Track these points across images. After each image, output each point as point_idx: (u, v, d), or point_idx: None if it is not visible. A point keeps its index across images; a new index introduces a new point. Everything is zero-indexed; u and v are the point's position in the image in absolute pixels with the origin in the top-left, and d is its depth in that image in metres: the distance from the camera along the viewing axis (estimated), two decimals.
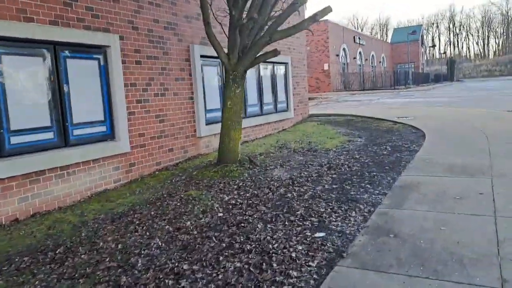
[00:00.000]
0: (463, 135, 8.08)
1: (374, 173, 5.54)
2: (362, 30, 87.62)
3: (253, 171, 6.27)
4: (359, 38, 42.60)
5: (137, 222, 4.45)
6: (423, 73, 55.79)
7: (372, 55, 48.36)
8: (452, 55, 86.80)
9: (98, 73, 5.89)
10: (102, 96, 5.95)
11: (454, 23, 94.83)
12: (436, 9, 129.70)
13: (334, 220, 3.90)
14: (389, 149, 7.26)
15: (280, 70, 11.37)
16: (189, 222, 4.27)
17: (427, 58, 79.70)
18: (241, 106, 6.46)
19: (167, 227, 4.20)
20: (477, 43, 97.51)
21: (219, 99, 8.59)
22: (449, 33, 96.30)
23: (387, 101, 21.46)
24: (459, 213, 3.84)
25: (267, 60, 10.45)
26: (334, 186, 5.05)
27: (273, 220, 4.08)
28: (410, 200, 4.35)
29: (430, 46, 79.11)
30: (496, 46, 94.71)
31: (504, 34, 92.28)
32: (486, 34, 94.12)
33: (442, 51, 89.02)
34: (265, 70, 10.50)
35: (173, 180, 6.09)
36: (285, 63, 11.57)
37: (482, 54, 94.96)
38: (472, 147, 6.84)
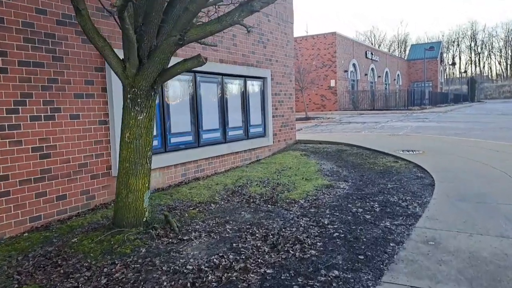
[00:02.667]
0: (488, 188, 5.69)
1: (335, 272, 3.22)
2: (379, 46, 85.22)
3: (158, 243, 4.04)
4: (372, 54, 40.08)
5: None
6: (442, 92, 52.89)
7: (386, 72, 45.76)
8: (473, 75, 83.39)
9: None
10: None
11: (476, 42, 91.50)
12: (456, 26, 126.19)
13: None
14: (378, 208, 4.92)
15: (255, 86, 9.17)
16: None
17: (446, 76, 76.61)
18: (148, 139, 4.25)
19: None
20: (499, 63, 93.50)
21: (154, 121, 6.42)
22: (470, 52, 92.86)
23: (396, 124, 18.98)
24: None
25: (236, 74, 8.34)
26: None
27: None
28: None
29: (450, 64, 76.08)
30: None
31: None
32: (509, 53, 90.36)
33: (462, 70, 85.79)
34: (232, 86, 8.32)
35: (29, 255, 3.89)
36: (263, 78, 9.38)
37: (505, 75, 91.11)
38: (504, 214, 4.46)
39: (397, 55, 66.15)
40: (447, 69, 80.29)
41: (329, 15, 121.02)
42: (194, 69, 7.14)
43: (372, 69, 40.86)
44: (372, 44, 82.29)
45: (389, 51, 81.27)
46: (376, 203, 5.14)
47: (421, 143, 10.53)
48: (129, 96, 4.08)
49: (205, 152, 7.42)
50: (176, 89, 6.87)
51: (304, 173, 7.34)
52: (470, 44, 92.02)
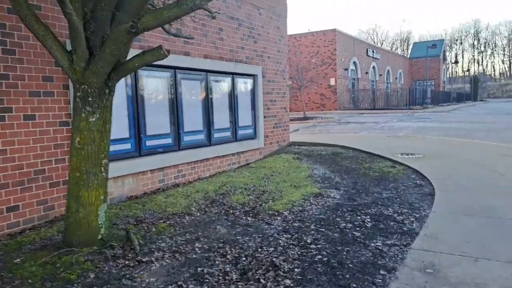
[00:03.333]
0: (496, 199, 5.11)
1: None
2: (381, 45, 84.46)
3: (112, 266, 3.47)
4: (373, 51, 39.31)
5: None
6: (444, 91, 52.16)
7: (388, 71, 45.01)
8: (476, 73, 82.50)
9: None
10: None
11: (479, 40, 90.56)
12: (459, 25, 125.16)
13: None
14: (370, 224, 4.34)
15: (245, 84, 8.59)
16: None
17: (449, 75, 75.77)
18: (102, 145, 3.68)
19: None
20: (502, 62, 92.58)
21: (127, 122, 5.87)
22: (473, 50, 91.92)
23: (396, 125, 18.36)
24: None
25: (223, 70, 7.76)
26: None
27: None
28: None
29: (452, 63, 75.29)
30: None
31: None
32: None
33: (465, 69, 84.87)
34: (218, 83, 7.74)
35: None
36: (253, 75, 8.79)
37: (508, 73, 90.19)
38: None
39: (399, 54, 65.40)
40: (450, 67, 79.45)
41: (331, 14, 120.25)
42: (174, 65, 6.62)
43: (373, 67, 40.14)
44: (374, 42, 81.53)
45: (391, 49, 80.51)
46: (368, 216, 4.55)
47: (421, 145, 9.93)
48: (78, 94, 3.51)
49: (186, 156, 6.85)
50: (153, 87, 6.30)
51: (294, 179, 6.77)
52: (473, 43, 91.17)
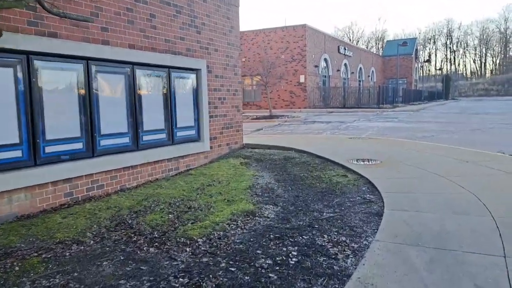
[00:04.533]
0: (453, 223, 4.32)
1: None
2: (357, 43, 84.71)
3: None
4: (345, 48, 38.74)
5: None
6: (416, 90, 52.39)
7: (360, 68, 44.64)
8: (448, 72, 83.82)
9: None
10: None
11: (452, 40, 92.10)
12: (433, 24, 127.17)
13: None
14: (294, 259, 3.43)
15: (184, 79, 7.58)
16: None
17: (422, 74, 76.59)
18: None
19: None
20: (474, 61, 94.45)
21: (16, 124, 4.77)
22: (446, 50, 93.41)
23: (362, 124, 17.69)
24: None
25: (155, 63, 6.72)
26: None
27: None
28: None
29: (425, 61, 76.09)
30: (493, 65, 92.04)
31: (502, 53, 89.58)
32: (484, 52, 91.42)
33: (438, 68, 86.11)
34: (148, 78, 6.70)
35: None
36: (196, 70, 7.79)
37: (479, 73, 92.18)
38: (471, 274, 3.05)
39: (373, 51, 65.48)
40: (423, 66, 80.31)
41: (307, 10, 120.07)
42: (87, 55, 5.52)
43: (345, 64, 39.62)
44: (350, 40, 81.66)
45: (367, 47, 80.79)
46: (296, 248, 3.64)
47: (381, 149, 9.17)
48: None
49: (104, 164, 5.81)
50: (55, 80, 5.21)
51: (231, 191, 5.83)
52: (446, 42, 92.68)
